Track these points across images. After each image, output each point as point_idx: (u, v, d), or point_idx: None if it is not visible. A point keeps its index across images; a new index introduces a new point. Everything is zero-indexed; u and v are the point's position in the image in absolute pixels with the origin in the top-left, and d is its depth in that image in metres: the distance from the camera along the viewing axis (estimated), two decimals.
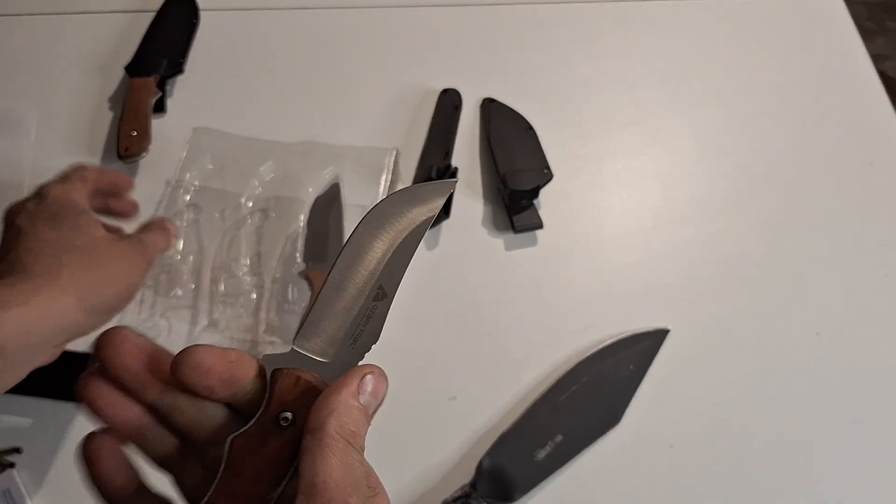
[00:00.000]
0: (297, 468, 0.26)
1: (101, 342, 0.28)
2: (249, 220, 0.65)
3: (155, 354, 0.28)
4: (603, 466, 0.55)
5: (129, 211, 0.55)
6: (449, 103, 0.75)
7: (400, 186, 0.69)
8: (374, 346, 0.30)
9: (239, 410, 0.29)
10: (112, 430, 0.28)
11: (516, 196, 0.66)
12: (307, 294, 0.57)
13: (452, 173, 0.67)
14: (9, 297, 0.36)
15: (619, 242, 0.66)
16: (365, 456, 0.26)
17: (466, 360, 0.60)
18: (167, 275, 0.62)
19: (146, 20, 0.80)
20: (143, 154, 0.68)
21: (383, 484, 0.27)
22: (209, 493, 0.26)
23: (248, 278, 0.61)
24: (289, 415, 0.27)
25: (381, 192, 0.64)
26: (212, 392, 0.27)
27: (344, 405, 0.26)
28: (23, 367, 0.37)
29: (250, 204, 0.66)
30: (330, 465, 0.24)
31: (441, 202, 0.30)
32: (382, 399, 0.28)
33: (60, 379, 0.55)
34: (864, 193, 0.69)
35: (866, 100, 0.76)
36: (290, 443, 0.26)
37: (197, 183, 0.67)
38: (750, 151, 0.72)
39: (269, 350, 0.59)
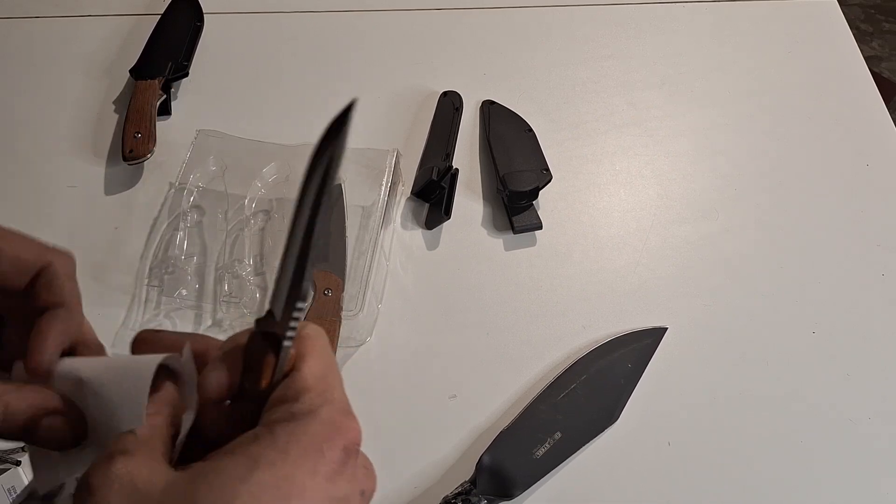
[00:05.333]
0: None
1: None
2: (252, 222, 0.66)
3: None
4: (601, 463, 0.56)
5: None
6: (449, 105, 0.76)
7: (401, 187, 0.70)
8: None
9: None
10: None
11: (516, 197, 0.67)
12: (310, 293, 0.57)
13: (453, 174, 0.68)
14: None
15: (617, 242, 0.67)
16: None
17: (466, 359, 0.60)
18: (171, 275, 0.63)
19: (151, 23, 0.81)
20: (148, 156, 0.69)
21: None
22: None
23: (251, 278, 0.62)
24: None
25: (383, 193, 0.64)
26: None
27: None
28: None
29: (253, 205, 0.67)
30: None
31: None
32: None
33: None
34: (861, 194, 0.70)
35: (861, 101, 0.77)
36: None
37: (201, 185, 0.67)
38: (747, 152, 0.73)
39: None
